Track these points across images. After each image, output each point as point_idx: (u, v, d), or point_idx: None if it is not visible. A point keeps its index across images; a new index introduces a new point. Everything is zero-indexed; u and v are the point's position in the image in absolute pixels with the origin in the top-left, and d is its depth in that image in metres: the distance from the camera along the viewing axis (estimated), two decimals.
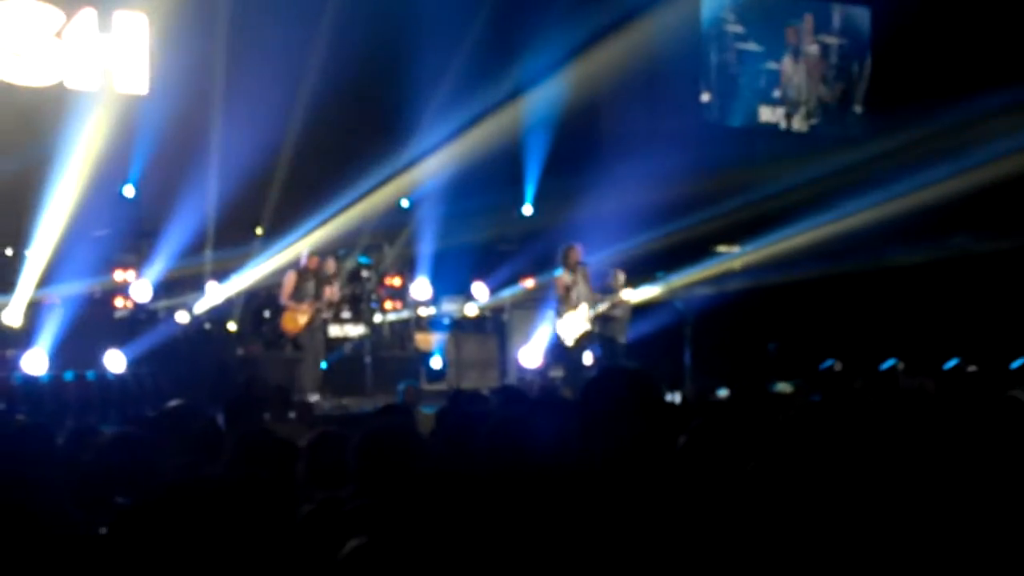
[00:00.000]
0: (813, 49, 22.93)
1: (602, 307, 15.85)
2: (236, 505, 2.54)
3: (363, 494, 4.36)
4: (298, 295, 15.37)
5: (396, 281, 18.26)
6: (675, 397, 11.95)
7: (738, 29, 22.26)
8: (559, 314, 15.75)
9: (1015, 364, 15.53)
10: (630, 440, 3.73)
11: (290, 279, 15.44)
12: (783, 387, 14.86)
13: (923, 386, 10.56)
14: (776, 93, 22.64)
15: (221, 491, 2.58)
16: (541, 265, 17.83)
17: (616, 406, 3.85)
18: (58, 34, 16.62)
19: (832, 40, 23.04)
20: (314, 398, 14.51)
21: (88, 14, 16.79)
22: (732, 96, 22.21)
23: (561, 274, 15.65)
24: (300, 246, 16.49)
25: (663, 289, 16.84)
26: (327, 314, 16.02)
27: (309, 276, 15.53)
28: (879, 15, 22.21)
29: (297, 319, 15.33)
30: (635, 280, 16.90)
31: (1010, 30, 19.73)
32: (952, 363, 16.15)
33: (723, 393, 14.14)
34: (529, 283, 17.50)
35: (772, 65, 22.54)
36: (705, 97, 21.77)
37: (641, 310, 17.10)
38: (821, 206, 19.08)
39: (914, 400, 7.05)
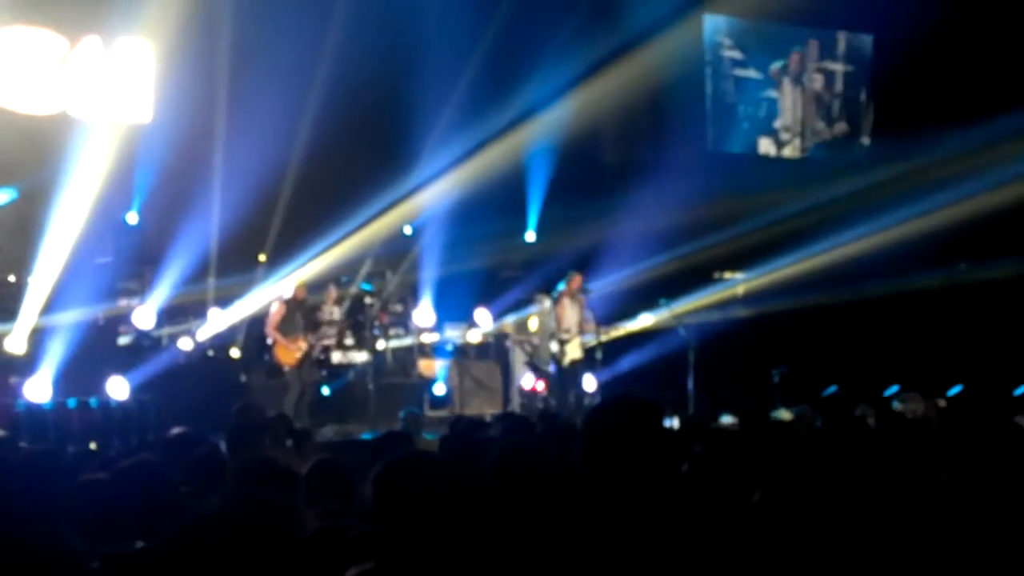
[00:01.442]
0: (817, 77, 22.56)
1: (601, 336, 15.93)
2: (242, 538, 2.55)
3: (382, 523, 4.37)
4: (286, 327, 15.39)
5: (399, 308, 18.26)
6: (673, 422, 11.92)
7: (736, 55, 21.85)
8: (558, 340, 15.83)
9: (1019, 391, 15.53)
10: (634, 468, 3.73)
11: (278, 310, 15.47)
12: (784, 414, 14.84)
13: (926, 413, 10.56)
14: (777, 123, 22.27)
15: (226, 526, 2.59)
16: (543, 291, 17.86)
17: (620, 434, 3.85)
18: (62, 62, 16.67)
19: (838, 67, 22.66)
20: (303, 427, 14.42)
21: (92, 41, 16.83)
22: (729, 126, 21.90)
23: (560, 301, 15.78)
24: (302, 273, 16.52)
25: (666, 316, 16.85)
26: (330, 341, 16.03)
27: (296, 307, 15.56)
28: (882, 42, 22.03)
29: (292, 353, 15.34)
30: (638, 307, 16.98)
31: (1015, 54, 19.75)
32: (956, 389, 16.15)
33: (726, 420, 14.15)
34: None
35: (772, 94, 22.21)
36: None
37: (644, 336, 17.13)
38: (825, 233, 19.10)
39: (916, 427, 7.05)
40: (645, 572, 3.49)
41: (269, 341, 15.83)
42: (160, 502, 5.01)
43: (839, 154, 22.44)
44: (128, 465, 5.39)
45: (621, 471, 3.72)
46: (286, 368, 15.47)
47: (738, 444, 6.24)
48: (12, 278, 15.73)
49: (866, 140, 22.57)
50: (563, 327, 15.85)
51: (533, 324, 16.92)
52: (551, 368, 16.17)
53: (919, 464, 5.87)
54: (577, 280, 15.94)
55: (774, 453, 6.00)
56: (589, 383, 15.71)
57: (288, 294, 15.67)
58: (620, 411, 3.94)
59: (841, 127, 22.73)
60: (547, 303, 16.37)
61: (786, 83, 22.36)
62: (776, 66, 22.13)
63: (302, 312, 15.65)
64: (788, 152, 22.22)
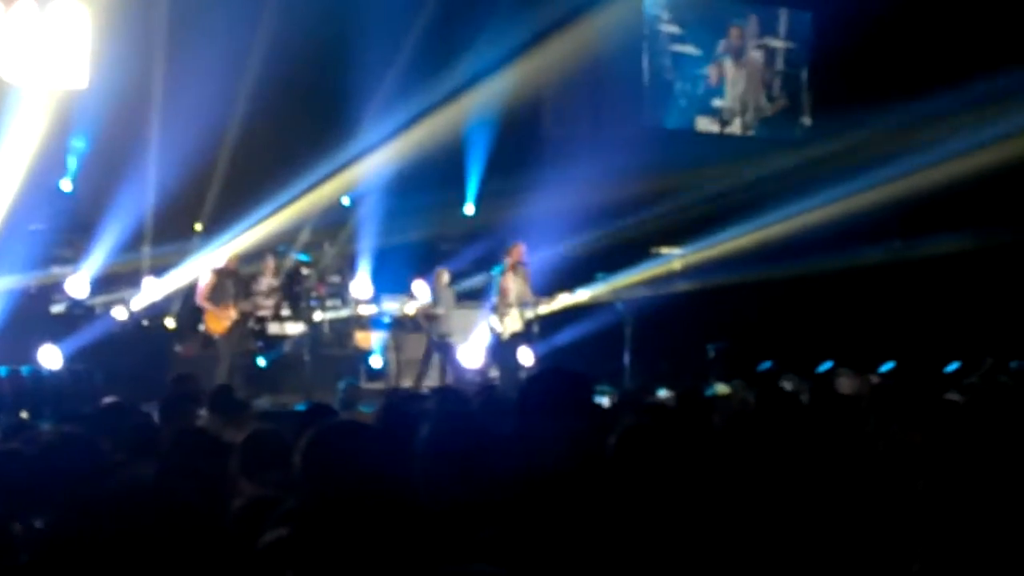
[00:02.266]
0: (757, 54, 22.34)
1: (540, 308, 15.97)
2: (169, 504, 2.53)
3: (308, 495, 4.34)
4: (216, 296, 15.29)
5: (336, 279, 18.19)
6: (603, 399, 11.96)
7: (674, 29, 21.61)
8: (497, 313, 15.84)
9: (949, 368, 15.71)
10: (567, 440, 3.74)
11: (208, 279, 15.37)
12: (721, 388, 14.93)
13: (859, 389, 10.64)
14: (716, 102, 22.08)
15: (154, 492, 2.56)
16: (482, 263, 17.90)
17: (554, 406, 3.85)
18: None
19: (778, 44, 22.52)
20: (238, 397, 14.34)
21: (27, 4, 16.55)
22: (666, 103, 21.73)
23: (502, 273, 15.78)
24: (239, 243, 16.41)
25: (604, 290, 16.89)
26: (266, 311, 15.95)
27: (228, 276, 15.46)
28: (820, 19, 22.10)
29: (221, 321, 15.25)
30: (576, 281, 17.02)
31: (954, 31, 19.90)
32: (888, 366, 16.31)
33: (662, 394, 14.22)
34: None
35: (711, 71, 22.06)
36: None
37: (582, 310, 17.18)
38: (761, 209, 19.20)
39: (849, 403, 7.12)
40: (577, 542, 3.49)
41: (200, 309, 15.73)
42: (89, 473, 4.96)
43: (778, 131, 22.45)
44: (55, 437, 5.34)
45: (554, 442, 3.72)
46: (216, 336, 15.37)
47: (672, 418, 6.27)
48: None
49: (807, 120, 22.58)
50: (507, 300, 15.84)
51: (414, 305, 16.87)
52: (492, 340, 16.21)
53: (852, 439, 5.94)
54: (518, 249, 15.95)
55: (708, 427, 6.05)
56: (526, 356, 15.73)
57: (220, 263, 15.55)
58: (552, 383, 3.94)
59: (783, 104, 22.62)
60: (445, 277, 16.43)
61: (728, 60, 22.15)
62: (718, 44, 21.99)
63: (234, 281, 15.54)
64: (729, 130, 22.18)
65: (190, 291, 16.55)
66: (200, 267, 16.16)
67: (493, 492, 3.74)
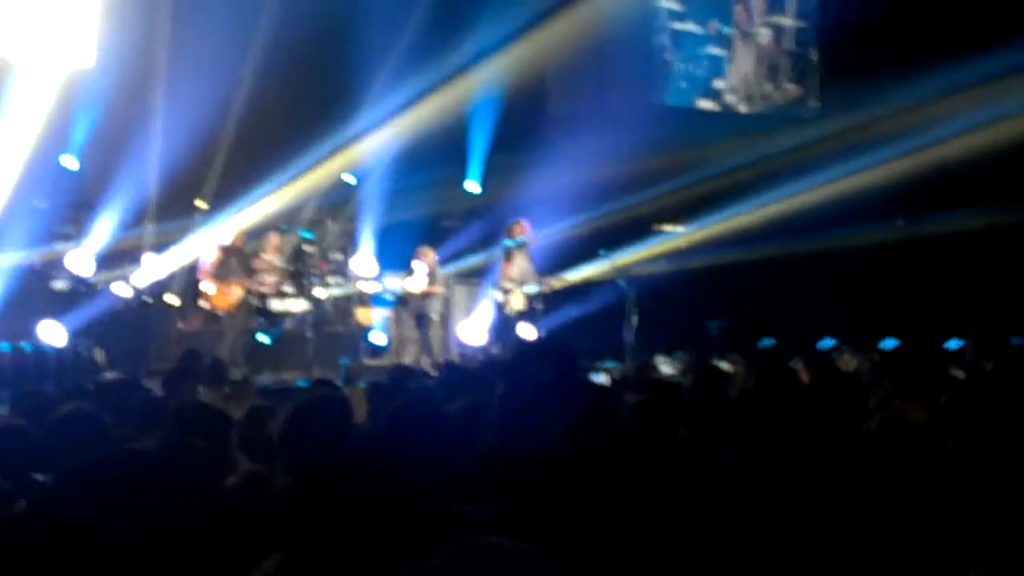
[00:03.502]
0: (765, 31, 21.73)
1: (544, 284, 16.00)
2: (166, 476, 2.54)
3: (286, 470, 4.36)
4: (220, 272, 15.32)
5: (339, 256, 18.19)
6: (600, 376, 11.98)
7: (673, 6, 21.09)
8: (501, 290, 15.86)
9: (951, 344, 15.73)
10: (555, 414, 3.72)
11: (213, 256, 15.40)
12: (723, 365, 14.96)
13: (859, 367, 10.67)
14: (719, 84, 21.53)
15: (150, 463, 2.57)
16: (485, 241, 17.91)
17: (536, 379, 3.83)
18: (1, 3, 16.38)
19: (787, 22, 21.91)
20: (240, 373, 14.35)
21: None
22: (666, 84, 21.24)
23: (505, 250, 15.83)
24: (242, 220, 16.43)
25: (607, 267, 16.88)
26: (268, 289, 15.94)
27: (233, 253, 15.49)
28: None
29: (227, 297, 15.28)
30: (578, 258, 17.04)
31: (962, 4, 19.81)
32: (890, 343, 16.32)
33: (665, 370, 14.25)
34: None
35: (714, 50, 21.56)
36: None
37: (584, 288, 17.19)
38: (765, 187, 19.17)
39: (849, 381, 7.11)
40: (584, 519, 3.49)
41: (204, 287, 15.73)
42: (94, 448, 4.98)
43: (785, 113, 22.16)
44: (61, 414, 5.37)
45: (539, 418, 3.70)
46: (221, 313, 15.41)
47: (678, 394, 6.28)
48: None
49: (815, 103, 22.27)
50: (508, 277, 15.88)
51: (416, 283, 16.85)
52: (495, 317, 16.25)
53: (852, 417, 5.94)
54: (520, 227, 15.97)
55: (713, 403, 6.05)
56: (528, 332, 15.74)
57: (226, 240, 15.58)
58: (536, 356, 3.93)
59: (791, 90, 22.01)
60: (431, 255, 16.44)
61: (734, 39, 21.52)
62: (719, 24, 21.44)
63: (239, 258, 15.57)
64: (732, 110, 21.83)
65: (193, 268, 16.57)
66: (202, 244, 16.17)
67: (488, 469, 3.73)
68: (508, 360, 4.15)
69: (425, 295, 16.30)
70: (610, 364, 15.44)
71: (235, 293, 15.30)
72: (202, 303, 15.99)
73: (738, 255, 18.59)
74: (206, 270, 15.39)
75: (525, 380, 3.81)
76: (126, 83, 16.64)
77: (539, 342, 4.16)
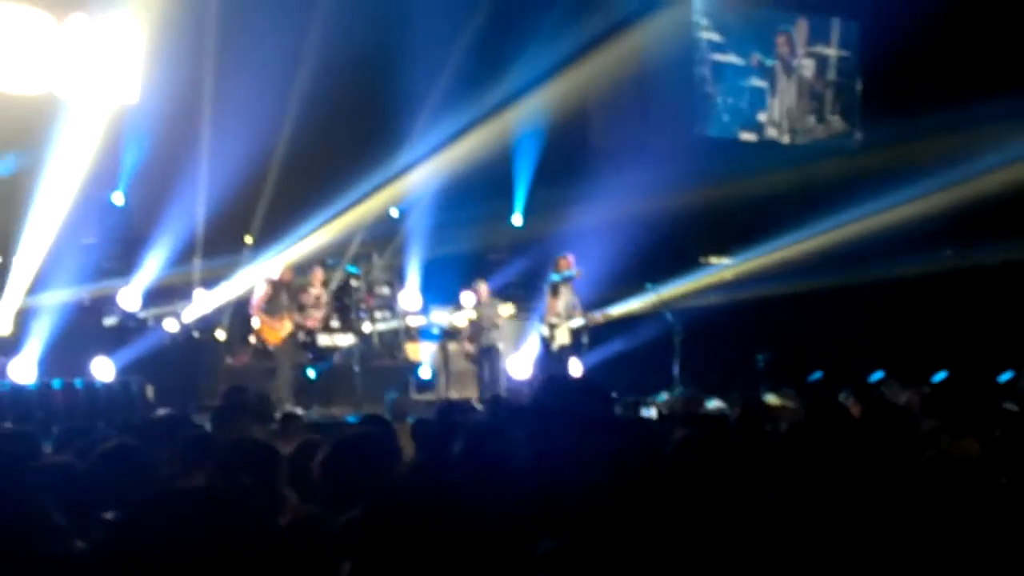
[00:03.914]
0: (808, 63, 21.50)
1: (589, 319, 15.99)
2: (218, 516, 2.54)
3: (329, 505, 4.35)
4: (270, 307, 15.37)
5: (385, 290, 18.23)
6: (651, 411, 11.94)
7: (714, 37, 20.84)
8: (547, 324, 15.86)
9: (1003, 377, 15.56)
10: (587, 451, 3.71)
11: (263, 290, 15.45)
12: (772, 399, 14.89)
13: (909, 400, 10.56)
14: (761, 117, 21.29)
15: (205, 502, 2.58)
16: (530, 274, 17.91)
17: (562, 415, 3.82)
18: (48, 40, 16.58)
19: (831, 52, 21.71)
20: (290, 408, 14.35)
21: (79, 19, 16.74)
22: (708, 117, 21.04)
23: (551, 284, 15.84)
24: (289, 255, 16.50)
25: (652, 300, 16.85)
26: (315, 323, 15.98)
27: (282, 288, 15.54)
28: (869, 26, 21.59)
29: (278, 332, 15.32)
30: (624, 291, 17.00)
31: (1007, 34, 19.69)
32: (940, 376, 16.18)
33: (712, 404, 14.17)
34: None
35: (757, 82, 21.40)
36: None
37: (630, 321, 17.15)
38: (812, 218, 19.08)
39: (900, 414, 7.06)
40: (630, 557, 3.48)
41: (254, 322, 15.80)
42: (141, 484, 5.00)
43: (829, 144, 22.00)
44: (108, 448, 5.39)
45: (570, 454, 3.69)
46: (272, 347, 15.45)
47: (729, 428, 6.25)
48: None
49: (859, 135, 22.08)
50: (555, 311, 15.88)
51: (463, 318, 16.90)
52: (539, 351, 16.24)
53: (903, 451, 5.89)
54: (566, 260, 15.99)
55: (761, 439, 6.02)
56: (575, 368, 15.71)
57: (275, 275, 15.64)
58: (562, 392, 3.91)
59: (835, 123, 21.73)
60: (483, 288, 16.45)
61: (776, 70, 21.22)
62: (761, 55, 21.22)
63: (288, 293, 15.64)
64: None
65: (240, 302, 16.65)
66: (252, 278, 16.25)
67: (535, 504, 3.71)
68: (543, 398, 4.14)
69: (486, 327, 16.27)
70: (659, 398, 15.39)
71: (285, 327, 15.36)
72: (251, 338, 16.07)
73: (785, 287, 18.49)
74: (256, 305, 15.45)
75: (558, 417, 3.80)
76: (173, 119, 16.79)
77: (570, 380, 4.17)
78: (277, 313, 15.39)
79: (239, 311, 16.83)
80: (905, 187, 18.98)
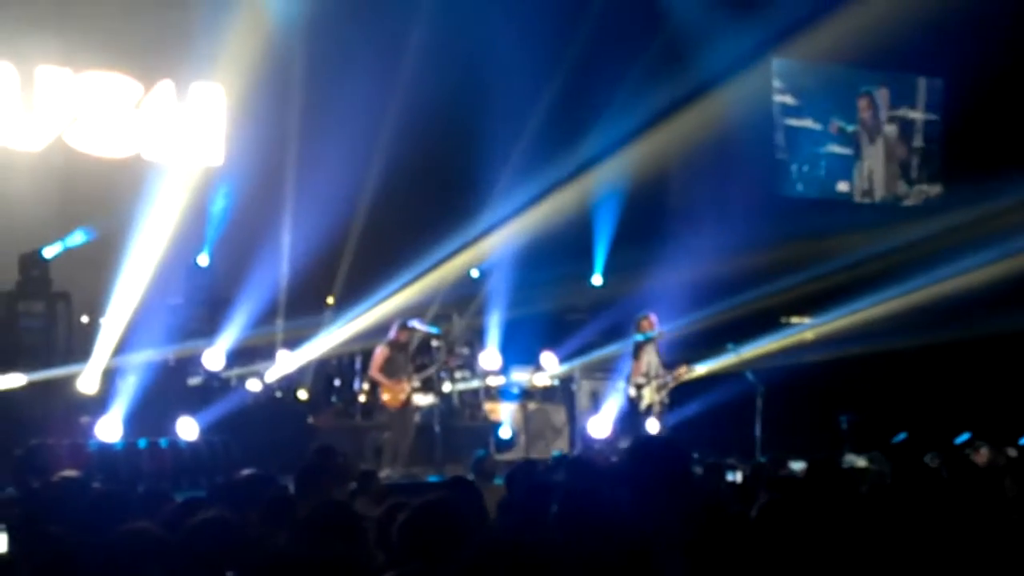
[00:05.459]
0: (891, 128, 20.86)
1: (676, 376, 15.94)
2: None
3: (415, 567, 4.37)
4: (390, 369, 15.31)
5: (465, 351, 18.27)
6: (736, 476, 11.84)
7: (788, 100, 20.32)
8: (634, 385, 15.85)
9: None
10: (673, 512, 3.72)
11: (382, 353, 15.35)
12: (856, 460, 14.72)
13: (994, 460, 10.43)
14: (842, 187, 20.69)
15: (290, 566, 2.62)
16: (610, 335, 17.88)
17: (647, 477, 3.83)
18: (137, 106, 16.98)
19: (917, 115, 21.02)
20: (385, 472, 14.29)
21: (166, 86, 17.15)
22: (782, 182, 20.59)
23: (635, 344, 15.85)
24: (371, 316, 16.61)
25: (734, 360, 16.76)
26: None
27: (400, 349, 15.49)
28: (952, 85, 21.39)
29: (398, 394, 15.21)
30: (706, 351, 16.93)
31: None
32: None
33: (797, 466, 14.03)
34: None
35: (836, 149, 20.85)
36: None
37: (712, 381, 17.06)
38: (894, 278, 18.92)
39: (989, 476, 6.98)
40: None
41: (368, 383, 15.81)
42: (231, 552, 5.03)
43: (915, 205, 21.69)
44: (199, 521, 5.41)
45: (659, 516, 3.70)
46: (392, 409, 15.34)
47: (807, 493, 6.19)
48: (85, 319, 15.94)
49: (943, 192, 21.59)
50: (639, 372, 15.87)
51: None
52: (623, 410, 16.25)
53: (991, 513, 5.82)
54: (649, 321, 15.98)
55: (844, 502, 5.97)
56: (654, 428, 15.64)
57: (392, 336, 15.55)
58: (646, 454, 3.92)
59: (927, 190, 20.89)
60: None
61: (859, 137, 20.40)
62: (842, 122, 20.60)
63: (404, 354, 15.60)
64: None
65: (322, 363, 16.77)
66: (335, 339, 16.37)
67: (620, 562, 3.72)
68: (623, 459, 4.16)
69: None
70: (742, 461, 15.26)
71: (404, 390, 15.25)
72: (362, 397, 16.17)
73: (868, 347, 18.32)
74: (376, 367, 15.37)
75: (647, 480, 3.82)
76: (257, 182, 17.05)
77: (650, 442, 4.18)
78: (396, 375, 15.30)
79: (321, 372, 16.94)
80: (990, 246, 18.77)
